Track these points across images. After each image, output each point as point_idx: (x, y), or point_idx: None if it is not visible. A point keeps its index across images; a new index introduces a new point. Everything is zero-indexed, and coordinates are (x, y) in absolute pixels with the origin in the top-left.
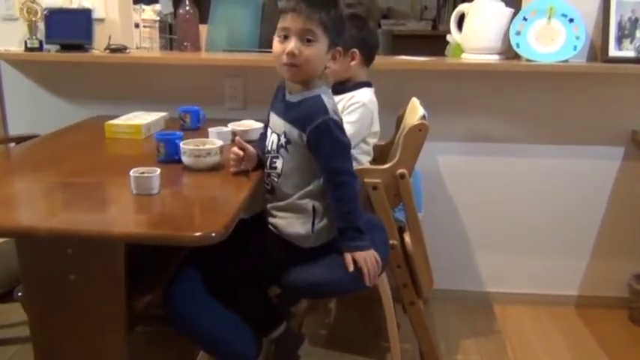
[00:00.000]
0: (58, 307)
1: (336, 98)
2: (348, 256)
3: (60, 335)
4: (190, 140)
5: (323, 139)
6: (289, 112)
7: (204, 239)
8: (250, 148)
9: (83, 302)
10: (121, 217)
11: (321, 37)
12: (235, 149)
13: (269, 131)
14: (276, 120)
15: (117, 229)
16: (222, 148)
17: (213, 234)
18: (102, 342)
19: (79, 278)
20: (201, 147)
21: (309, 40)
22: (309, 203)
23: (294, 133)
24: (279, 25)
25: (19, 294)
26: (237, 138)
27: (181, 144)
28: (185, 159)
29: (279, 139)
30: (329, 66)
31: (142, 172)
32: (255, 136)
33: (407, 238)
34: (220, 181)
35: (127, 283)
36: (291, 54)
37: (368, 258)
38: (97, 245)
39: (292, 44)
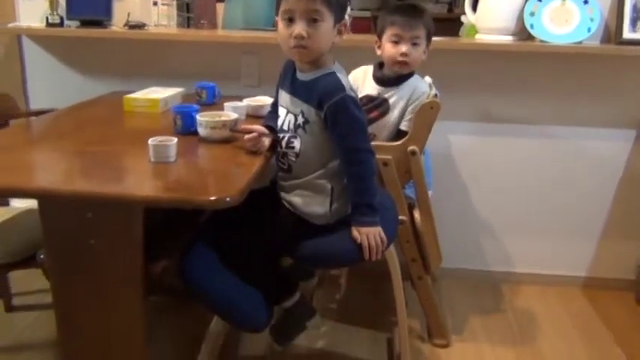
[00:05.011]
0: (78, 270)
1: (403, 90)
2: (354, 230)
3: (80, 297)
4: (206, 113)
5: (340, 117)
6: (304, 91)
7: (219, 203)
8: (255, 126)
9: (102, 265)
10: (139, 182)
11: (326, 15)
12: (247, 136)
13: (282, 110)
14: (290, 99)
15: (136, 192)
16: (237, 121)
17: (228, 198)
18: (121, 304)
19: (99, 242)
20: (217, 119)
21: (315, 20)
22: (327, 184)
23: (312, 111)
24: (283, 7)
25: (42, 257)
26: (240, 127)
27: (198, 116)
28: (201, 130)
29: (296, 119)
30: (336, 42)
31: (161, 141)
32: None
33: (416, 214)
34: (235, 151)
35: (144, 247)
36: (299, 36)
37: (372, 234)
38: (116, 209)
39: (299, 26)
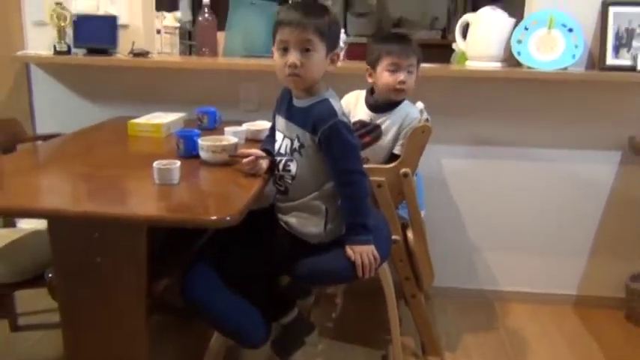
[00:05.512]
0: (85, 288)
1: (395, 115)
2: (348, 249)
3: (86, 314)
4: (208, 137)
5: (334, 141)
6: (300, 117)
7: (220, 222)
8: (253, 150)
9: (108, 283)
10: (144, 203)
11: (318, 45)
12: (245, 160)
13: (279, 135)
14: (286, 124)
15: (141, 212)
16: (237, 145)
17: (228, 217)
18: (125, 321)
19: (105, 260)
20: (218, 143)
21: (307, 50)
22: (322, 205)
23: (307, 136)
24: (278, 37)
25: (50, 275)
26: (239, 152)
27: (199, 140)
28: (203, 154)
29: (292, 143)
30: (329, 70)
31: (165, 164)
32: None
33: (409, 234)
34: (234, 174)
35: (148, 265)
36: (293, 65)
37: (365, 252)
38: (122, 229)
39: (293, 56)
